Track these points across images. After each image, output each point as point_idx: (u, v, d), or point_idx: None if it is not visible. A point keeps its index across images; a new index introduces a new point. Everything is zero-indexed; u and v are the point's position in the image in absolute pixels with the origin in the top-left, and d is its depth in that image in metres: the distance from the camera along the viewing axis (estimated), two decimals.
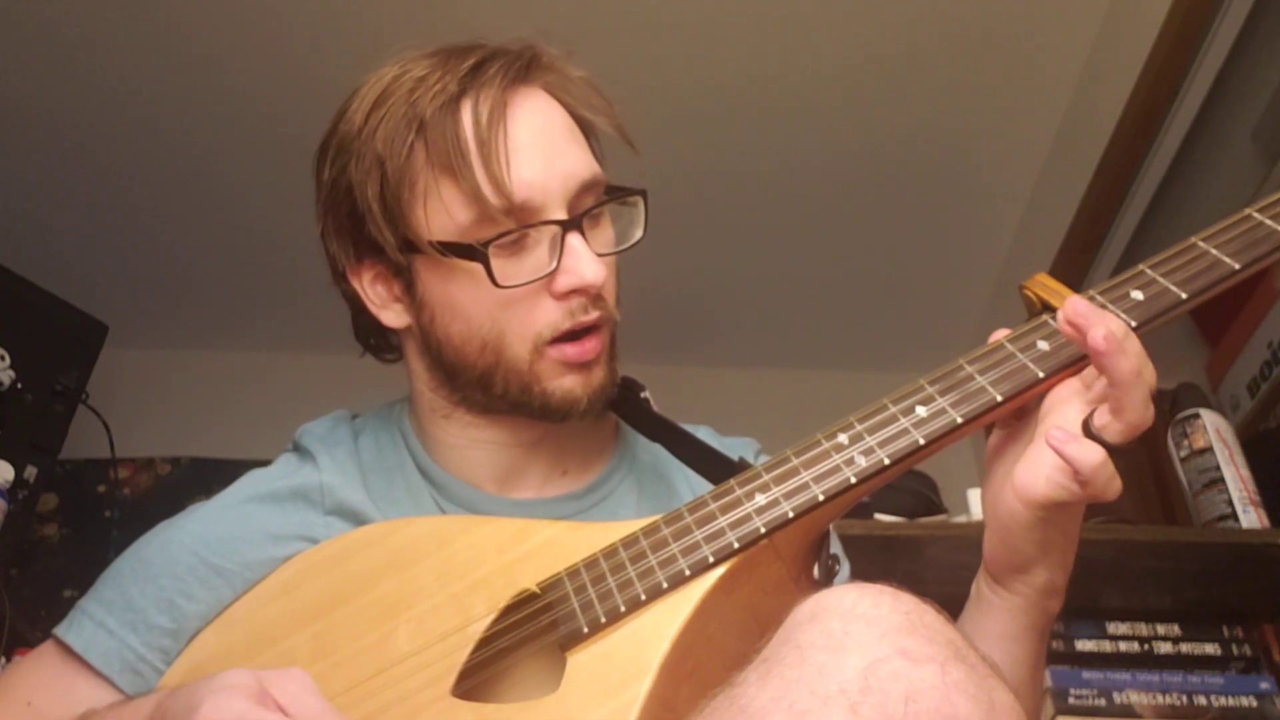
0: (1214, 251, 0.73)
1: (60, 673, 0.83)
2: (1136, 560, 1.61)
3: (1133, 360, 0.65)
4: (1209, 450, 1.70)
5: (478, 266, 0.79)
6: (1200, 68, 1.84)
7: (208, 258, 2.44)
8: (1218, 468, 1.69)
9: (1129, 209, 2.09)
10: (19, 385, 1.85)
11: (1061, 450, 0.66)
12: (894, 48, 2.00)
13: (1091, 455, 0.65)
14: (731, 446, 0.97)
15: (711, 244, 2.38)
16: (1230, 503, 1.65)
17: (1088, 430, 0.67)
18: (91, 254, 2.39)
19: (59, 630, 0.84)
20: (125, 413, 2.23)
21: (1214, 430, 1.72)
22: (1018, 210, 2.34)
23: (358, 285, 0.87)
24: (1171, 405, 1.80)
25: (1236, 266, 0.72)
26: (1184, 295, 0.72)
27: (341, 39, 1.92)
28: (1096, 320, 0.66)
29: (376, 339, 0.93)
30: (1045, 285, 0.76)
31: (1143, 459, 2.01)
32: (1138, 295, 0.72)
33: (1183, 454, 1.74)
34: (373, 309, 0.88)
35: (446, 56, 0.84)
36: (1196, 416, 1.74)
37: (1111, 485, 0.66)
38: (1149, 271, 0.73)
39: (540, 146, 0.81)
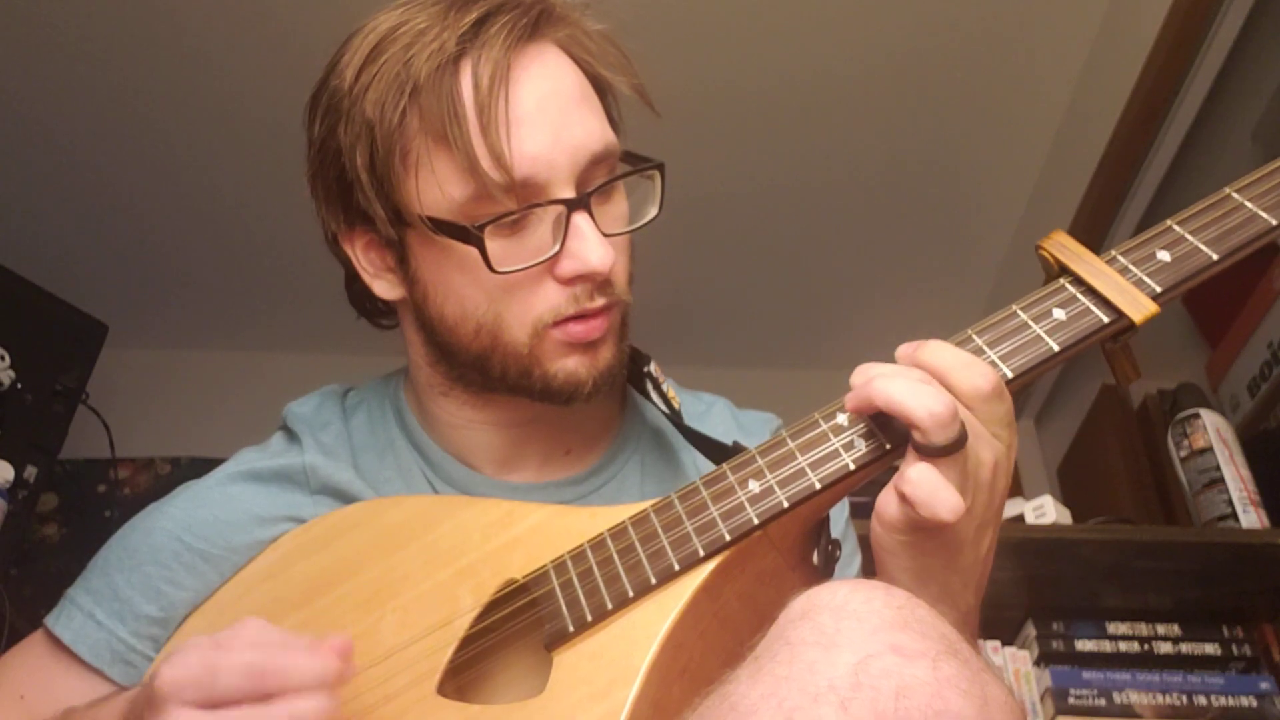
0: (1249, 205, 0.65)
1: (52, 666, 0.81)
2: (1136, 560, 1.61)
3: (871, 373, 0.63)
4: (1209, 450, 1.70)
5: (472, 248, 0.73)
6: (1200, 68, 1.84)
7: (207, 258, 2.44)
8: (1218, 468, 1.69)
9: (1129, 209, 2.08)
10: (19, 385, 1.85)
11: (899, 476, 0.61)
12: (893, 50, 2.00)
13: (909, 472, 0.60)
14: (748, 422, 0.94)
15: (710, 245, 2.37)
16: (1230, 503, 1.65)
17: (915, 444, 0.61)
18: (91, 254, 2.38)
19: (49, 620, 0.83)
20: (125, 413, 2.23)
21: (1214, 430, 1.72)
22: (1017, 211, 2.34)
23: (350, 251, 0.82)
24: (1171, 405, 1.80)
25: (1274, 223, 0.65)
26: (1215, 256, 0.65)
27: (340, 40, 1.92)
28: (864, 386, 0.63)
29: (371, 305, 0.87)
30: (1063, 246, 0.69)
31: (1143, 459, 2.01)
32: (1164, 256, 0.65)
33: (1183, 454, 1.74)
34: (365, 277, 0.82)
35: (449, 7, 0.76)
36: (1196, 416, 1.74)
37: (935, 500, 0.59)
38: (1177, 228, 0.66)
39: (548, 115, 0.73)
